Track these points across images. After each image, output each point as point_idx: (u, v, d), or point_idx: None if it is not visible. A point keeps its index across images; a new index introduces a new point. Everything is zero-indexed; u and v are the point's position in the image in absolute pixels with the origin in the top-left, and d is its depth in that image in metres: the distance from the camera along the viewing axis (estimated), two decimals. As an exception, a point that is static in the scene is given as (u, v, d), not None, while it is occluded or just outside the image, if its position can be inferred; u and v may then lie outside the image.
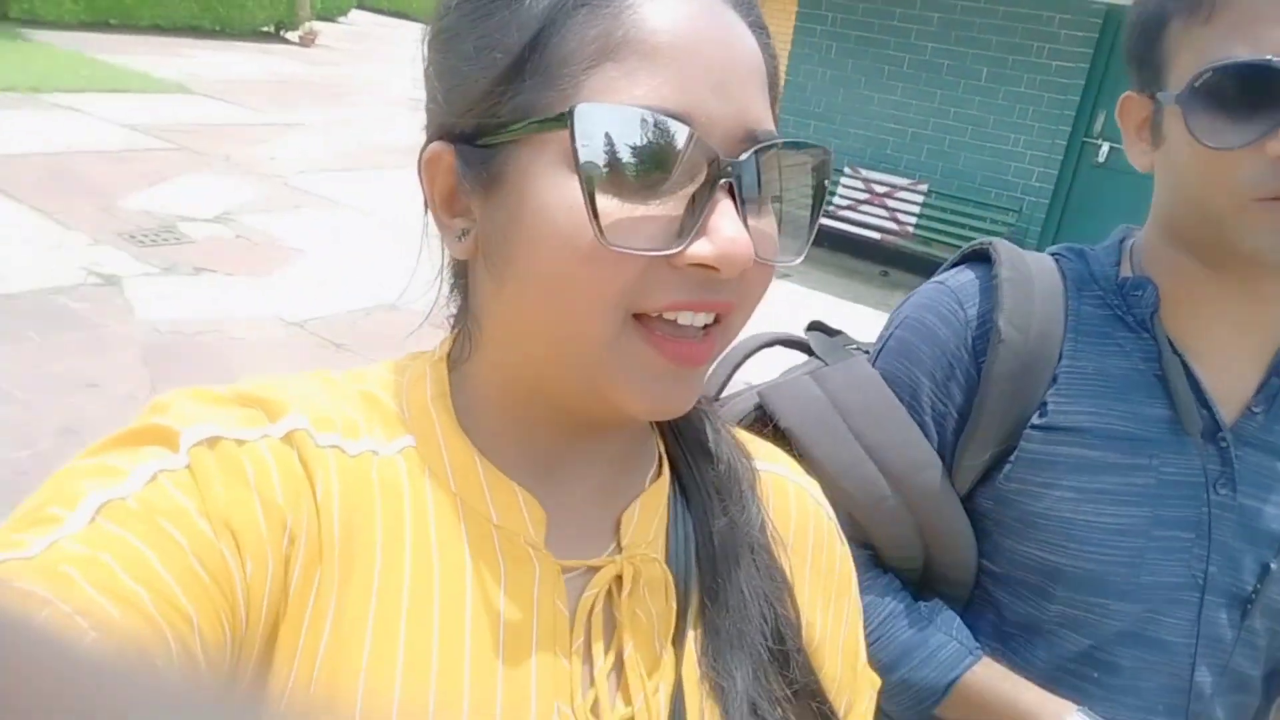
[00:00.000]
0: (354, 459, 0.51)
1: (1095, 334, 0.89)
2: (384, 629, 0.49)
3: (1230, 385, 0.89)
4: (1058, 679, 0.90)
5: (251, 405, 0.50)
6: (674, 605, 0.57)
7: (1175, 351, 0.87)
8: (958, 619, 0.93)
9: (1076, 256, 0.94)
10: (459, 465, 0.53)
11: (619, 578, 0.55)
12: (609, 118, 0.44)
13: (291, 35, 16.58)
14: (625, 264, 0.46)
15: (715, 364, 0.59)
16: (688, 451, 0.62)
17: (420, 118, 0.55)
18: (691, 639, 0.57)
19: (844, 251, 7.85)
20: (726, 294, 0.48)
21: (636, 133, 0.45)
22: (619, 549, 0.57)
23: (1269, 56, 0.73)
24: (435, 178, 0.52)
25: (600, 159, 0.45)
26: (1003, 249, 0.92)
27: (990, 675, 0.90)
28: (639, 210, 0.46)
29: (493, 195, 0.49)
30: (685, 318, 0.48)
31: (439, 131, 0.52)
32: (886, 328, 0.98)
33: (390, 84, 13.03)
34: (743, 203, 0.47)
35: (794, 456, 0.73)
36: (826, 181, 0.53)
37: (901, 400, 0.92)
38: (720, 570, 0.58)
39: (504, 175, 0.48)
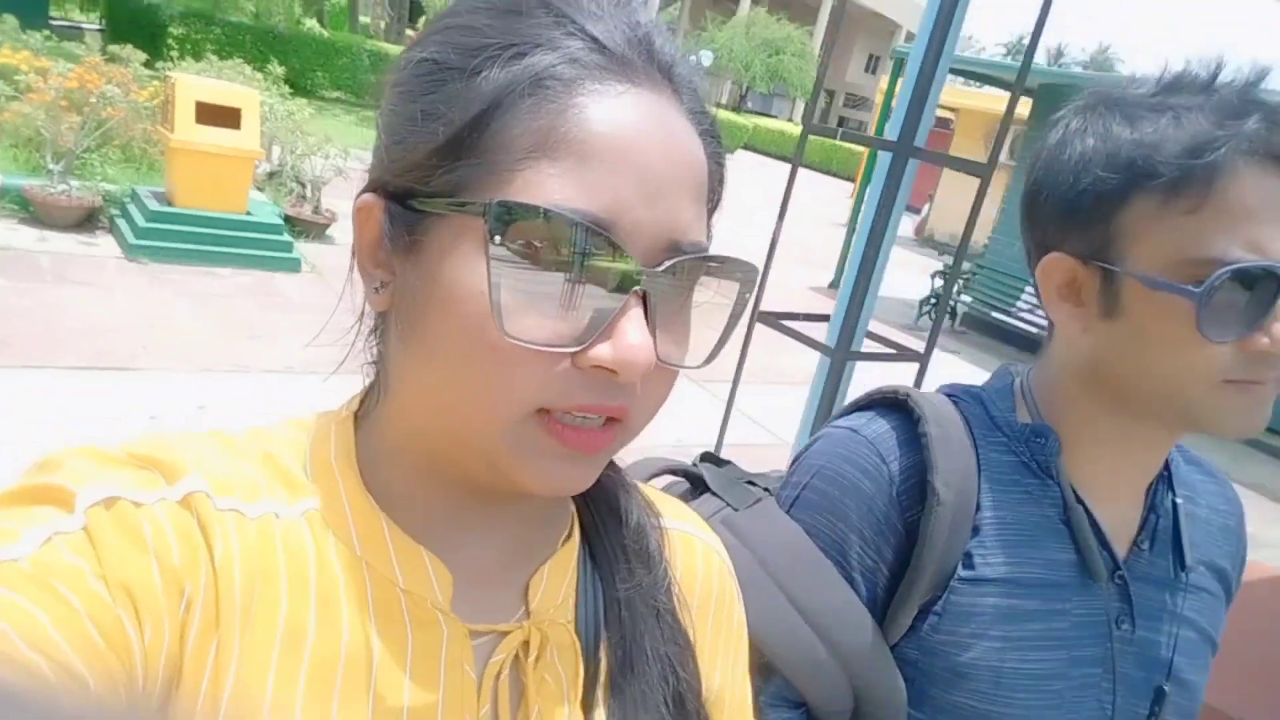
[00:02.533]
0: (254, 521, 0.49)
1: (1006, 481, 0.90)
2: (283, 694, 0.47)
3: (1119, 523, 0.91)
4: None
5: (147, 466, 0.48)
6: (582, 670, 0.57)
7: (1078, 497, 0.89)
8: None
9: (973, 400, 0.95)
10: (364, 528, 0.52)
11: (526, 643, 0.55)
12: (528, 216, 0.44)
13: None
14: (528, 360, 0.45)
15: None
16: (596, 514, 0.62)
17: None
18: (600, 704, 0.57)
19: (1027, 349, 9.39)
20: (623, 397, 0.48)
21: (554, 235, 0.45)
22: (527, 613, 0.56)
23: (1271, 260, 0.75)
24: (363, 226, 0.52)
25: (513, 256, 0.45)
26: (921, 400, 0.91)
27: None
28: (547, 308, 0.45)
29: (411, 258, 0.49)
30: (581, 415, 0.48)
31: (374, 183, 0.52)
32: (798, 474, 0.94)
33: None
34: (653, 310, 0.47)
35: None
36: (749, 295, 0.53)
37: (828, 556, 0.89)
38: (627, 634, 0.59)
39: (425, 244, 0.48)
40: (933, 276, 10.51)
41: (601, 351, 0.46)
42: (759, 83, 38.00)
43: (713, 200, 0.54)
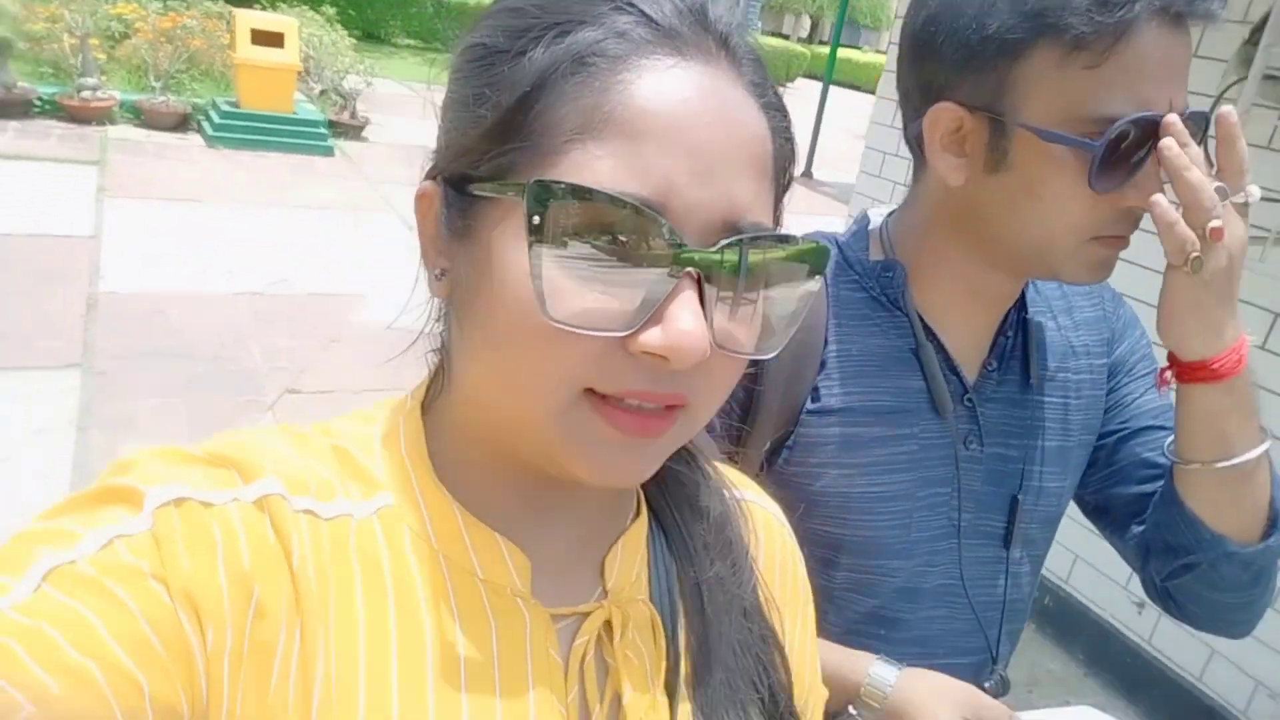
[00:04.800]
0: (328, 523, 0.50)
1: (856, 316, 0.94)
2: (376, 691, 0.48)
3: (969, 347, 0.96)
4: (849, 640, 0.94)
5: (223, 465, 0.48)
6: (663, 647, 0.57)
7: (926, 327, 0.93)
8: None
9: (829, 243, 0.93)
10: (439, 520, 0.52)
11: (608, 623, 0.55)
12: (569, 196, 0.43)
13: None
14: (575, 343, 0.44)
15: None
16: (671, 503, 0.62)
17: None
18: (683, 686, 0.57)
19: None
20: (681, 385, 0.47)
21: (598, 215, 0.43)
22: (604, 593, 0.57)
23: (1152, 112, 0.77)
24: (424, 215, 0.52)
25: (555, 236, 0.43)
26: None
27: None
28: (594, 291, 0.44)
29: (465, 245, 0.49)
30: (634, 401, 0.47)
31: (433, 170, 0.52)
32: None
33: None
34: (711, 293, 0.46)
35: None
36: (820, 276, 0.51)
37: None
38: (711, 624, 0.59)
39: (476, 230, 0.48)
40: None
41: (651, 337, 0.44)
42: (826, 12, 38.56)
43: (783, 179, 0.52)
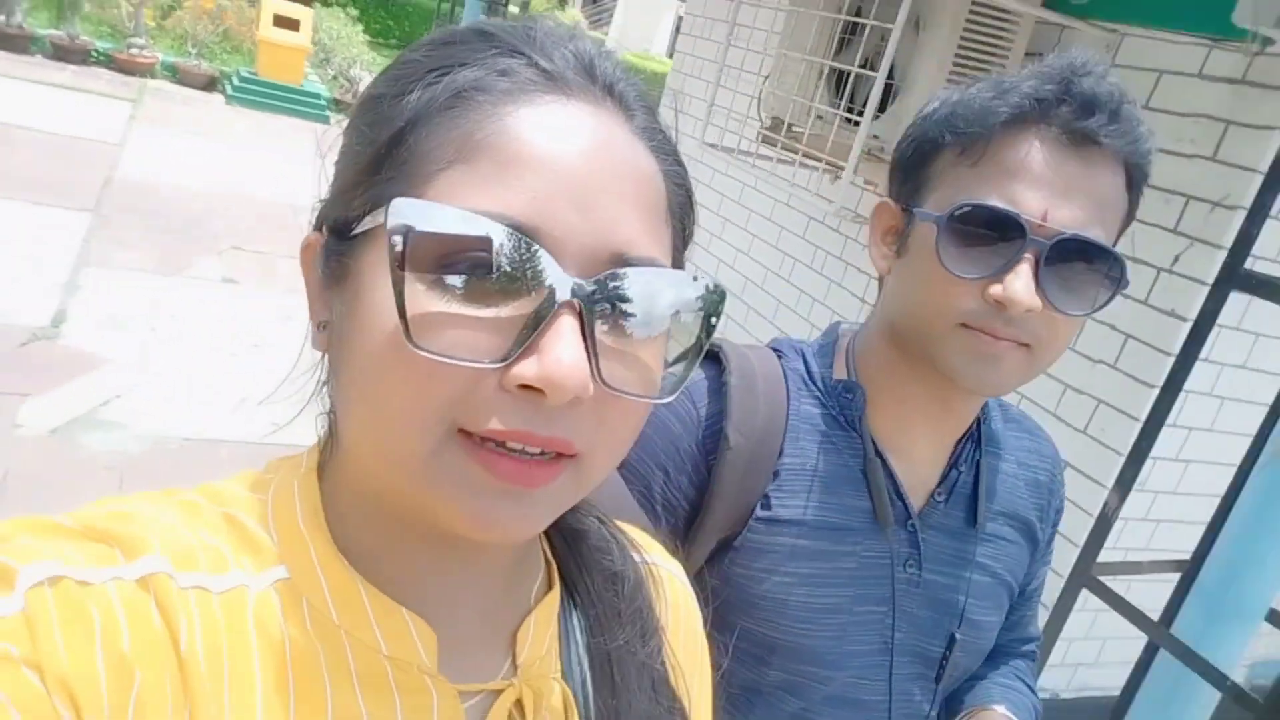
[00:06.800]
0: (220, 596, 0.46)
1: (812, 433, 0.98)
2: None
3: (919, 476, 1.00)
4: None
5: (103, 540, 0.45)
6: None
7: (878, 450, 0.98)
8: None
9: (796, 355, 1.03)
10: (340, 594, 0.49)
11: (518, 701, 0.53)
12: (432, 216, 0.41)
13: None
14: (444, 375, 0.42)
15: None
16: (585, 571, 0.60)
17: None
18: None
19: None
20: (566, 428, 0.43)
21: (463, 237, 0.41)
22: (515, 668, 0.54)
23: (1012, 209, 0.84)
24: (309, 265, 0.50)
25: (421, 261, 0.41)
26: (731, 352, 0.98)
27: None
28: (465, 320, 0.42)
29: (340, 289, 0.47)
30: (515, 444, 0.43)
31: (318, 219, 0.50)
32: None
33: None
34: (595, 328, 0.43)
35: None
36: (714, 319, 0.49)
37: (634, 487, 0.95)
38: (621, 697, 0.58)
39: (350, 270, 0.46)
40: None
41: (525, 368, 0.41)
42: None
43: (681, 226, 0.51)
